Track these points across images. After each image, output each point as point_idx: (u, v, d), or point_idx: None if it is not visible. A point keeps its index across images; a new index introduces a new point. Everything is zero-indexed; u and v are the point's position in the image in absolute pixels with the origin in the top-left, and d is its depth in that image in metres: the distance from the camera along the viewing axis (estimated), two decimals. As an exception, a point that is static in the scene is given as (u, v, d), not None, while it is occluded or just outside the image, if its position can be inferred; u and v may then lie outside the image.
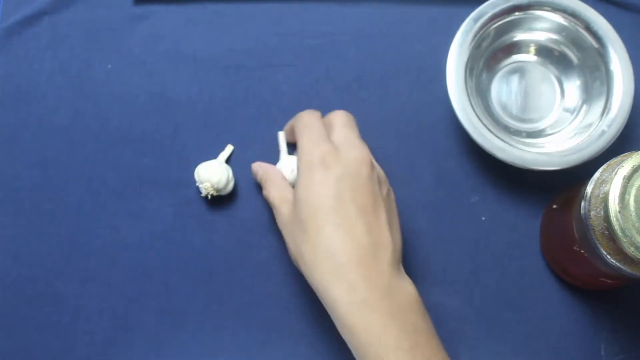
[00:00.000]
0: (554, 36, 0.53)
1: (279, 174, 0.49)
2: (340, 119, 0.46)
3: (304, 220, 0.41)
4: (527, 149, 0.49)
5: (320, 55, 0.56)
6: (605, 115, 0.50)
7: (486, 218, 0.52)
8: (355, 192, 0.41)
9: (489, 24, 0.52)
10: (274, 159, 0.53)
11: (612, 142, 0.49)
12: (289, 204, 0.44)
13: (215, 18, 0.57)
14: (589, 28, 0.51)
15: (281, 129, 0.54)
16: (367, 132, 0.53)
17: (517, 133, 0.52)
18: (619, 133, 0.49)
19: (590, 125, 0.50)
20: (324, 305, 0.41)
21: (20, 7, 0.57)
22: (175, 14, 0.57)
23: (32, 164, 0.54)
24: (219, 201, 0.52)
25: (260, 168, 0.50)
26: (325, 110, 0.54)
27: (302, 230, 0.41)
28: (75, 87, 0.55)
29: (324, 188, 0.41)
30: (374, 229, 0.41)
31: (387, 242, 0.41)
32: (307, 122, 0.45)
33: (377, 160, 0.52)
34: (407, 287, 0.41)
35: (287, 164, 0.50)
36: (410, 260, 0.51)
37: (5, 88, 0.56)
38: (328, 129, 0.45)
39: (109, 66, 0.56)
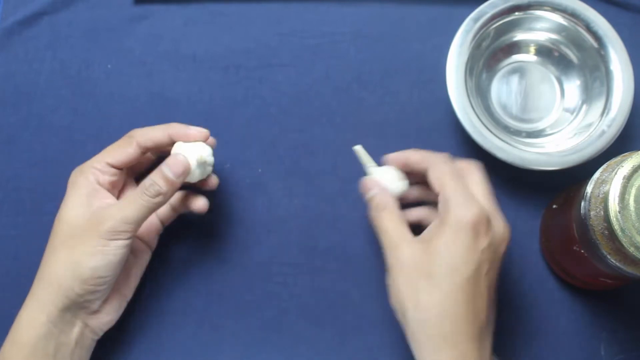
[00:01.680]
0: (554, 36, 0.53)
1: (397, 205, 0.45)
2: (479, 176, 0.44)
3: (436, 274, 0.39)
4: (527, 149, 0.49)
5: (320, 55, 0.56)
6: (605, 115, 0.50)
7: (486, 218, 0.52)
8: (491, 268, 0.41)
9: (489, 24, 0.52)
10: (273, 158, 0.53)
11: (612, 142, 0.49)
12: (412, 245, 0.41)
13: (215, 18, 0.57)
14: (589, 28, 0.51)
15: (281, 129, 0.54)
16: (367, 132, 0.54)
17: (516, 133, 0.52)
18: (619, 133, 0.49)
19: (590, 125, 0.50)
20: (416, 352, 0.41)
21: (20, 7, 0.57)
22: (175, 14, 0.57)
23: (32, 164, 0.54)
24: (219, 201, 0.52)
25: (377, 191, 0.45)
26: (325, 109, 0.55)
27: (431, 282, 0.40)
28: (75, 87, 0.55)
29: (469, 255, 0.40)
30: (491, 306, 0.42)
31: (493, 319, 0.42)
32: (452, 172, 0.43)
33: (376, 160, 0.52)
34: None
35: (381, 176, 0.47)
36: (410, 260, 0.51)
37: (5, 88, 0.56)
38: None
39: (109, 66, 0.56)
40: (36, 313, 0.42)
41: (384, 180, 0.47)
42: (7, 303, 0.51)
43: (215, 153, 0.53)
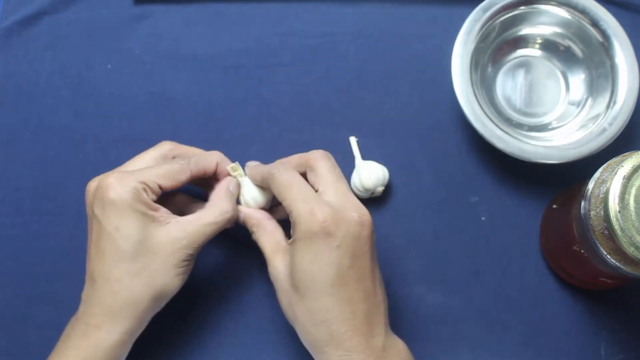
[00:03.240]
0: (560, 30, 0.53)
1: (266, 216, 0.45)
2: (324, 165, 0.43)
3: (300, 287, 0.40)
4: (530, 141, 0.49)
5: (320, 55, 0.56)
6: (611, 107, 0.50)
7: (486, 218, 0.52)
8: (355, 258, 0.39)
9: (497, 16, 0.52)
10: (273, 158, 0.53)
11: (613, 139, 0.49)
12: (284, 256, 0.42)
13: (215, 18, 0.57)
14: (595, 24, 0.51)
15: (281, 129, 0.54)
16: (367, 132, 0.54)
17: (519, 126, 0.52)
18: (620, 131, 0.49)
19: (597, 116, 0.50)
20: (311, 353, 0.41)
21: (20, 7, 0.57)
22: (175, 14, 0.57)
23: (32, 164, 0.54)
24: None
25: (240, 213, 0.46)
26: (325, 110, 0.54)
27: (298, 294, 0.40)
28: (75, 87, 0.55)
29: (325, 258, 0.39)
30: (370, 293, 0.40)
31: (381, 303, 0.41)
32: (289, 180, 0.42)
33: (377, 160, 0.52)
34: (398, 345, 0.41)
35: (364, 170, 0.50)
36: (410, 261, 0.51)
37: (5, 88, 0.56)
38: (310, 175, 0.43)
39: (109, 66, 0.56)
40: (121, 336, 0.42)
41: (364, 173, 0.50)
42: (7, 303, 0.51)
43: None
